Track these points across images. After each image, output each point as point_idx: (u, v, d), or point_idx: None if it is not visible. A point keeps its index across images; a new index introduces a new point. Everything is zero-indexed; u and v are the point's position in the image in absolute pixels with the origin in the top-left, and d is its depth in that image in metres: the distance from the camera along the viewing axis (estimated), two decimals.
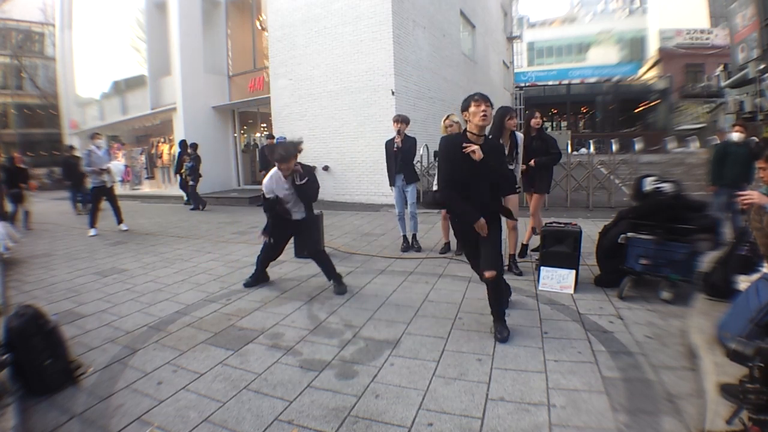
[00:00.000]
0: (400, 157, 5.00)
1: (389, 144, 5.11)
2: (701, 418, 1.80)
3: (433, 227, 6.42)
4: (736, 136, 5.24)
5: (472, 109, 2.58)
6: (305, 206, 3.81)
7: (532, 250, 4.48)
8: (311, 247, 3.93)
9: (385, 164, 5.29)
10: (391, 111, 9.12)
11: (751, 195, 2.39)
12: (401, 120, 5.01)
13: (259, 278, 4.05)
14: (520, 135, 4.00)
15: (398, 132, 4.96)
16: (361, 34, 9.65)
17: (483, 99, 2.59)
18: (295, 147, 3.53)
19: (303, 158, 3.95)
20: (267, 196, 3.68)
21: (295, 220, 3.81)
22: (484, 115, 2.56)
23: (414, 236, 5.27)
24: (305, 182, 3.61)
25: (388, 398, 2.08)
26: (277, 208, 3.71)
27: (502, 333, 2.66)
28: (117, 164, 8.27)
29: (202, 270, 4.61)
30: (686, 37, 29.28)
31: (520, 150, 3.99)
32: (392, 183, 5.14)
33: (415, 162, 5.59)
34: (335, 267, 3.85)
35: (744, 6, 15.74)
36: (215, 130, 13.32)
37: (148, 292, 3.89)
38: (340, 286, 3.74)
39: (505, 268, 4.07)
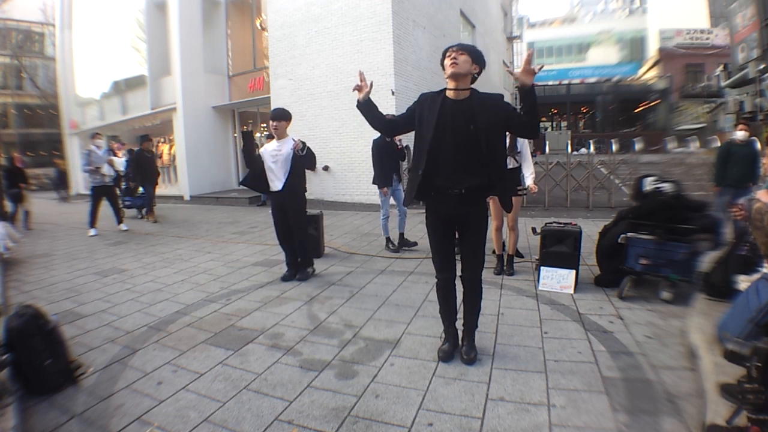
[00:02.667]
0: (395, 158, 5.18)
1: (383, 144, 5.08)
2: (701, 419, 1.80)
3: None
4: (740, 134, 5.21)
5: (445, 61, 2.24)
6: (289, 183, 3.99)
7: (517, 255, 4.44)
8: (294, 217, 4.08)
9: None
10: (391, 111, 9.12)
11: (759, 195, 2.39)
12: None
13: (294, 268, 4.18)
14: None
15: None
16: (361, 34, 9.65)
17: (456, 48, 2.22)
18: (288, 112, 4.09)
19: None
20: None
21: (277, 192, 4.00)
22: (454, 63, 2.18)
23: (402, 234, 5.31)
24: (305, 153, 3.98)
25: (388, 398, 2.08)
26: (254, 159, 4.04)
27: (469, 354, 2.39)
28: (119, 160, 8.29)
29: (202, 270, 4.61)
30: (686, 37, 29.29)
31: (523, 148, 3.95)
32: (389, 183, 5.14)
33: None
34: (312, 257, 4.29)
35: (744, 6, 15.74)
36: (215, 130, 13.33)
37: (148, 292, 3.89)
38: (303, 273, 4.11)
39: (504, 269, 4.10)
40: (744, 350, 1.52)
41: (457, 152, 2.20)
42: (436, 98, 2.27)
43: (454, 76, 2.20)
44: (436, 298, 2.55)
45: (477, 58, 2.24)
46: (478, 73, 2.31)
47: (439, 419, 1.90)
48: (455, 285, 2.47)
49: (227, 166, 13.81)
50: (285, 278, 4.11)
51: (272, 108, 11.18)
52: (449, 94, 2.25)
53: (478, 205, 2.34)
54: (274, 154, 3.97)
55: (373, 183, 5.24)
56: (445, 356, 2.45)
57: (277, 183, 3.98)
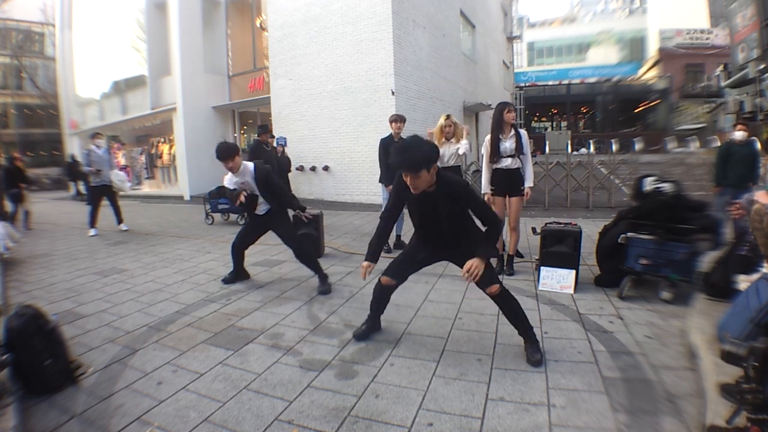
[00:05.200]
0: None
1: (392, 143, 5.06)
2: (701, 418, 1.80)
3: None
4: (739, 135, 5.21)
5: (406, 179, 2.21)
6: (273, 204, 3.81)
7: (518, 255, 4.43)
8: (293, 244, 3.92)
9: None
10: (391, 111, 9.13)
11: (758, 197, 2.40)
12: (402, 120, 5.07)
13: (238, 274, 4.11)
14: (523, 132, 4.02)
15: (399, 131, 5.02)
16: (361, 34, 9.65)
17: (410, 174, 2.14)
18: (232, 148, 3.61)
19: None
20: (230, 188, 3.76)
21: (259, 215, 3.88)
22: (414, 188, 2.22)
23: (399, 236, 5.30)
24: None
25: (388, 398, 2.08)
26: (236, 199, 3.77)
27: (534, 355, 2.34)
28: (118, 174, 7.65)
29: (202, 270, 4.61)
30: (686, 37, 29.31)
31: (526, 148, 3.98)
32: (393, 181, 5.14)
33: None
34: (321, 266, 3.87)
35: (744, 6, 15.74)
36: (215, 130, 13.32)
37: (148, 292, 3.89)
38: (324, 285, 3.75)
39: (504, 269, 4.10)
40: (740, 350, 1.52)
41: (436, 226, 2.41)
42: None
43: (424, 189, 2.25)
44: (373, 295, 2.74)
45: (430, 164, 2.13)
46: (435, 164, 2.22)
47: (439, 419, 1.90)
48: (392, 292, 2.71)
49: None
50: (227, 280, 4.07)
51: (271, 107, 11.24)
52: None
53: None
54: (240, 185, 3.69)
55: (380, 181, 5.22)
56: (360, 336, 2.72)
57: (260, 208, 3.85)
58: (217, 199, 7.73)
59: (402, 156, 2.11)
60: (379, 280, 2.67)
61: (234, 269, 4.12)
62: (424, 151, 2.12)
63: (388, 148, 5.03)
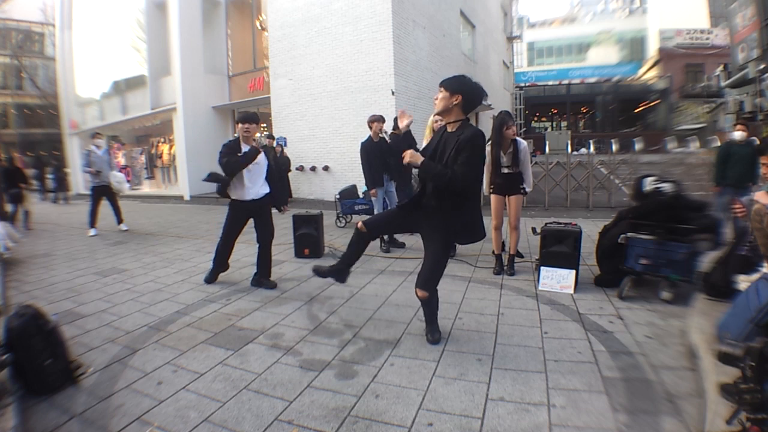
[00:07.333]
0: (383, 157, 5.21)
1: (371, 145, 5.20)
2: (701, 418, 1.80)
3: None
4: (738, 135, 5.22)
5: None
6: (271, 189, 3.90)
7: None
8: (262, 236, 3.92)
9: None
10: (391, 111, 9.14)
11: (758, 197, 2.41)
12: (382, 120, 5.23)
13: (222, 269, 4.15)
14: (523, 144, 4.05)
15: (381, 131, 5.16)
16: (361, 34, 9.66)
17: (439, 85, 2.44)
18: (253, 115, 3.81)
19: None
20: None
21: (253, 200, 3.79)
22: (435, 102, 2.54)
23: (391, 234, 5.33)
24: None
25: (388, 398, 2.08)
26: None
27: (434, 334, 2.66)
28: (116, 175, 7.49)
29: (202, 270, 4.61)
30: (686, 37, 29.32)
31: (524, 160, 4.03)
32: (381, 184, 5.25)
33: None
34: (270, 268, 4.00)
35: (744, 6, 15.72)
36: (215, 130, 13.32)
37: (148, 292, 3.89)
38: (268, 283, 3.92)
39: (505, 268, 4.10)
40: (737, 351, 1.52)
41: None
42: (442, 128, 2.52)
43: (438, 113, 2.48)
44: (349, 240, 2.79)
45: (454, 89, 2.36)
46: (466, 102, 2.37)
47: (439, 419, 1.91)
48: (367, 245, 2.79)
49: None
50: (209, 280, 4.09)
51: (271, 107, 11.25)
52: (447, 126, 2.49)
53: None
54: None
55: (366, 186, 5.33)
56: (320, 272, 2.85)
57: (252, 190, 3.76)
58: (354, 199, 6.90)
59: (448, 79, 2.41)
60: (356, 224, 2.74)
61: (217, 268, 4.16)
62: (455, 78, 2.42)
63: (369, 150, 5.13)
